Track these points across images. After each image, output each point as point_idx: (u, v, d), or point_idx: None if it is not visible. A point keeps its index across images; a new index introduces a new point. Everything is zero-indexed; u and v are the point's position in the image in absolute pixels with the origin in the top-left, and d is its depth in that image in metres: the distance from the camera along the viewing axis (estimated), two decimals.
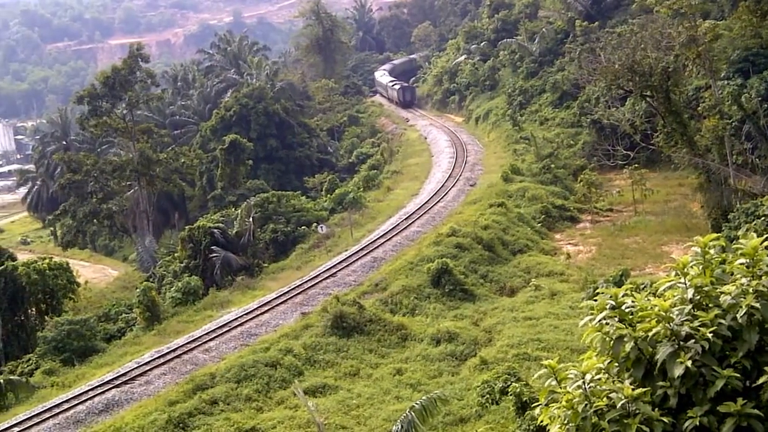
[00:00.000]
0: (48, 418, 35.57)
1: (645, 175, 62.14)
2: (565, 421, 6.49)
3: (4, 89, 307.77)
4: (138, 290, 56.40)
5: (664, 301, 6.65)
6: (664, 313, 6.52)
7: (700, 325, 6.37)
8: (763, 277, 6.49)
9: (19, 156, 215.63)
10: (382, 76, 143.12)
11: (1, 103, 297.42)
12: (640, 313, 6.65)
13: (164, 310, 53.71)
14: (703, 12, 56.75)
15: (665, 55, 52.08)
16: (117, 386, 38.03)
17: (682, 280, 6.73)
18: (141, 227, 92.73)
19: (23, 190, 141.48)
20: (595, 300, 6.89)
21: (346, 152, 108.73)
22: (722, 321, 6.39)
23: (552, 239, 57.95)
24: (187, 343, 42.53)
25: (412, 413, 17.39)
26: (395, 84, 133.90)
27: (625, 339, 6.57)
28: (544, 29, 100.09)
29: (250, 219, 67.13)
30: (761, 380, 6.14)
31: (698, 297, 6.61)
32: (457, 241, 51.71)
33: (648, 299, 6.74)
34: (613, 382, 6.52)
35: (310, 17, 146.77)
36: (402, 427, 17.05)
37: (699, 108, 56.26)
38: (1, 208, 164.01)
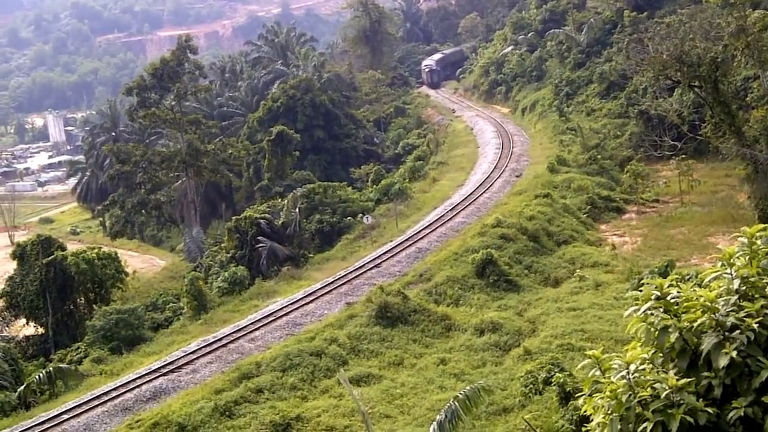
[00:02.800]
0: (96, 406, 36.05)
1: (692, 166, 61.44)
2: (609, 411, 6.54)
3: (54, 81, 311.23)
4: (185, 280, 56.92)
5: (710, 291, 6.66)
6: (709, 304, 6.54)
7: (745, 316, 6.38)
8: None
9: (69, 147, 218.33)
10: (424, 62, 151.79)
11: (52, 94, 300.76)
12: (685, 304, 6.67)
13: (211, 299, 54.10)
14: (752, 2, 55.88)
15: (714, 45, 51.33)
16: (164, 374, 38.43)
17: (728, 270, 6.74)
18: (188, 218, 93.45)
19: (73, 181, 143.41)
20: (640, 291, 6.89)
21: (392, 143, 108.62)
22: None
23: (597, 230, 57.50)
24: (234, 332, 42.81)
25: (456, 403, 17.39)
26: (426, 68, 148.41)
27: (670, 329, 6.60)
28: (592, 19, 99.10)
29: (296, 210, 67.46)
30: None
31: (744, 288, 6.61)
32: (502, 232, 51.44)
33: (693, 290, 6.76)
34: (658, 372, 6.56)
35: (357, 8, 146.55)
36: (446, 416, 17.06)
37: (747, 98, 55.50)
38: (51, 199, 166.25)
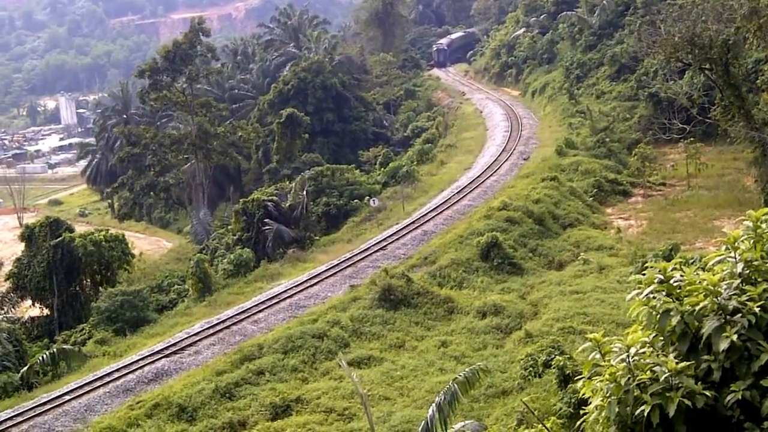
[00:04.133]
0: (99, 387, 36.18)
1: (700, 149, 61.37)
2: (607, 394, 6.55)
3: (68, 63, 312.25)
4: (191, 262, 57.04)
5: (713, 275, 6.61)
6: (712, 287, 6.50)
7: (748, 300, 6.34)
8: None
9: (80, 129, 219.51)
10: (436, 42, 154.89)
11: (65, 77, 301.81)
12: (688, 288, 6.64)
13: (216, 281, 54.20)
14: None
15: (726, 27, 50.91)
16: (167, 356, 38.58)
17: (732, 254, 6.70)
18: (196, 200, 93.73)
19: (83, 163, 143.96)
20: (644, 274, 6.89)
21: (402, 126, 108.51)
22: None
23: (603, 213, 57.48)
24: (237, 314, 42.94)
25: (455, 384, 17.28)
26: (434, 47, 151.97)
27: (672, 313, 6.56)
28: (604, 2, 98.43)
29: (304, 192, 67.44)
30: None
31: (748, 271, 6.56)
32: (507, 215, 51.43)
33: (697, 273, 6.73)
34: (658, 355, 6.51)
35: None
36: (444, 398, 16.93)
37: (758, 81, 55.10)
38: (61, 181, 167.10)
